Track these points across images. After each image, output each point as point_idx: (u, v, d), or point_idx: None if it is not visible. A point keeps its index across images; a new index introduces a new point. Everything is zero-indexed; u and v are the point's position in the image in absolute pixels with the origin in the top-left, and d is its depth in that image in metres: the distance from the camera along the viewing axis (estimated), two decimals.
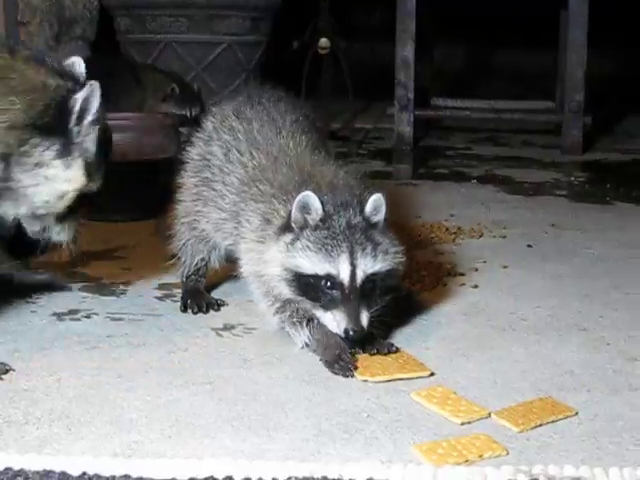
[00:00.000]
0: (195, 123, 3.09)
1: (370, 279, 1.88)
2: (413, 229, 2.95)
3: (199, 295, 2.25)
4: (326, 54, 5.26)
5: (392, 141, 4.42)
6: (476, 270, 2.54)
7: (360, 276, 1.87)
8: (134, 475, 1.39)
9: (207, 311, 2.19)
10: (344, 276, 1.86)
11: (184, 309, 2.20)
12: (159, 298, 2.29)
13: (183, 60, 4.84)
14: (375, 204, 1.93)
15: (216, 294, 2.31)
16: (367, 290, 1.88)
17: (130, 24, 4.98)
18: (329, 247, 1.88)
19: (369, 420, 1.62)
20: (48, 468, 1.40)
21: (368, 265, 1.88)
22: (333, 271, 1.87)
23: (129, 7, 4.93)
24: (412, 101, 4.56)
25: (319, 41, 5.15)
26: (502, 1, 5.46)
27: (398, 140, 4.35)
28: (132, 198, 3.12)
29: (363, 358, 1.86)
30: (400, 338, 2.00)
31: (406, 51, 4.58)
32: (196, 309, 2.19)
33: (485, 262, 2.61)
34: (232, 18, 4.87)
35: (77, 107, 1.87)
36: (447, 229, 2.97)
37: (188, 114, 4.24)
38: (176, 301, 2.26)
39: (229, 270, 2.28)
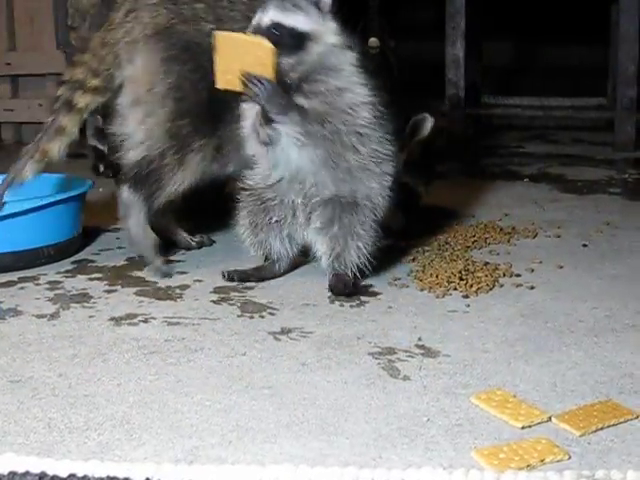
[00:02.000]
0: None
1: None
2: (468, 229, 2.93)
3: None
4: (376, 53, 5.25)
5: (443, 139, 4.41)
6: (532, 271, 2.52)
7: None
8: None
9: None
10: None
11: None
12: (215, 302, 2.30)
13: None
14: None
15: (274, 297, 2.32)
16: None
17: None
18: None
19: (429, 424, 1.61)
20: (112, 474, 1.41)
21: None
22: None
23: None
24: (463, 99, 4.55)
25: (368, 40, 5.15)
26: None
27: (450, 138, 4.33)
28: None
29: None
30: (460, 342, 1.99)
31: (456, 49, 4.57)
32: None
33: (541, 262, 2.59)
34: None
35: None
36: (501, 229, 2.95)
37: None
38: (232, 304, 2.27)
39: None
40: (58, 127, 2.49)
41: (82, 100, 2.50)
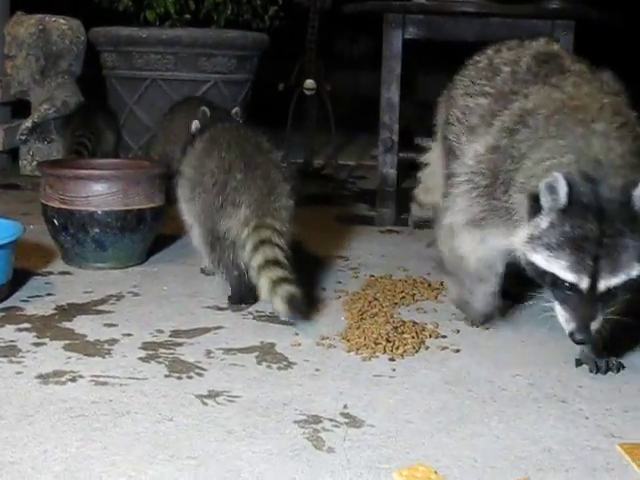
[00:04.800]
0: None
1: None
2: (397, 284, 2.98)
3: None
4: (311, 95, 5.31)
5: (376, 183, 4.45)
6: (458, 332, 2.56)
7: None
8: None
9: None
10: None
11: None
12: (143, 359, 2.31)
13: (169, 97, 4.85)
14: None
15: (201, 356, 2.33)
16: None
17: (117, 60, 5.01)
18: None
19: None
20: None
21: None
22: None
23: (116, 43, 4.96)
24: (396, 143, 4.59)
25: (305, 82, 5.21)
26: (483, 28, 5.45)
27: (382, 183, 4.37)
28: (116, 246, 3.16)
29: None
30: (384, 410, 2.02)
31: (391, 93, 4.61)
32: None
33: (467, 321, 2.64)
34: (218, 57, 4.90)
35: None
36: (430, 284, 2.99)
37: None
38: (160, 362, 2.28)
39: None
40: None
41: None
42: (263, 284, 2.56)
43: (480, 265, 2.45)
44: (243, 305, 2.78)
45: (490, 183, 2.32)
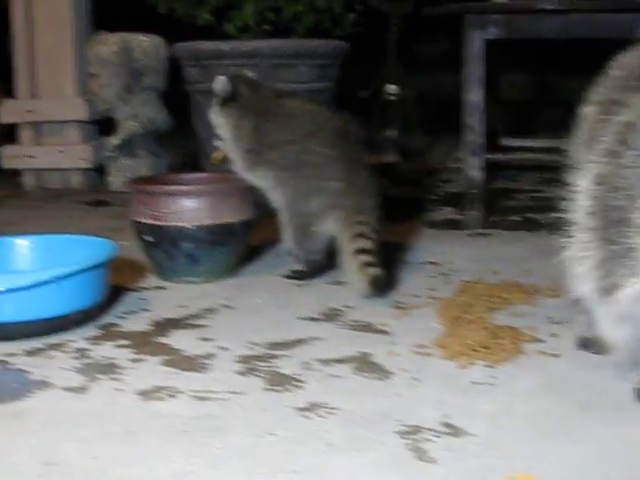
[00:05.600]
0: None
1: None
2: (490, 289, 2.96)
3: None
4: (394, 100, 5.31)
5: (462, 185, 4.42)
6: (555, 336, 2.53)
7: None
8: None
9: None
10: None
11: None
12: (241, 373, 2.32)
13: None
14: None
15: (299, 368, 2.34)
16: None
17: (199, 74, 5.04)
18: None
19: None
20: None
21: None
22: None
23: (197, 58, 5.00)
24: (481, 145, 4.56)
25: (387, 88, 5.22)
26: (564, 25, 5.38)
27: (468, 185, 4.34)
28: (207, 260, 3.19)
29: None
30: (485, 419, 2.01)
31: (473, 95, 4.58)
32: None
33: (565, 325, 2.60)
34: (299, 66, 4.91)
35: None
36: (523, 288, 2.96)
37: None
38: (258, 376, 2.29)
39: None
40: None
41: None
42: (351, 266, 2.93)
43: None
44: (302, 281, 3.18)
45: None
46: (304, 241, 3.15)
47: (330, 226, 3.09)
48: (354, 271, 2.91)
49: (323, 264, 3.21)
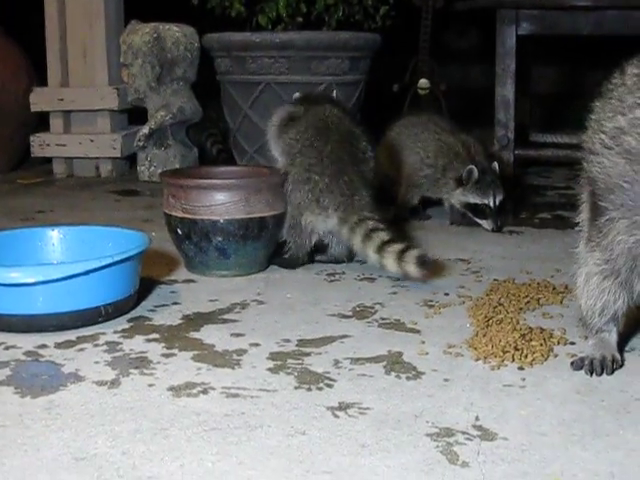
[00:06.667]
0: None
1: None
2: (521, 289, 2.95)
3: None
4: (426, 94, 5.30)
5: None
6: (586, 338, 2.51)
7: None
8: None
9: None
10: None
11: None
12: (272, 370, 2.32)
13: (282, 100, 4.87)
14: None
15: (329, 366, 2.34)
16: None
17: (230, 65, 5.05)
18: None
19: None
20: None
21: None
22: None
23: (229, 49, 5.00)
24: (513, 141, 4.55)
25: (419, 82, 5.20)
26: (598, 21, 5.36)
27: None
28: (238, 254, 3.20)
29: None
30: (517, 422, 2.00)
31: (506, 90, 4.58)
32: None
33: None
34: (331, 59, 4.90)
35: None
36: (554, 288, 2.95)
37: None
38: (289, 373, 2.29)
39: None
40: None
41: None
42: (388, 260, 3.00)
43: None
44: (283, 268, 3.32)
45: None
46: (293, 233, 3.29)
47: (332, 227, 3.23)
48: (393, 263, 2.99)
49: (305, 261, 3.35)
